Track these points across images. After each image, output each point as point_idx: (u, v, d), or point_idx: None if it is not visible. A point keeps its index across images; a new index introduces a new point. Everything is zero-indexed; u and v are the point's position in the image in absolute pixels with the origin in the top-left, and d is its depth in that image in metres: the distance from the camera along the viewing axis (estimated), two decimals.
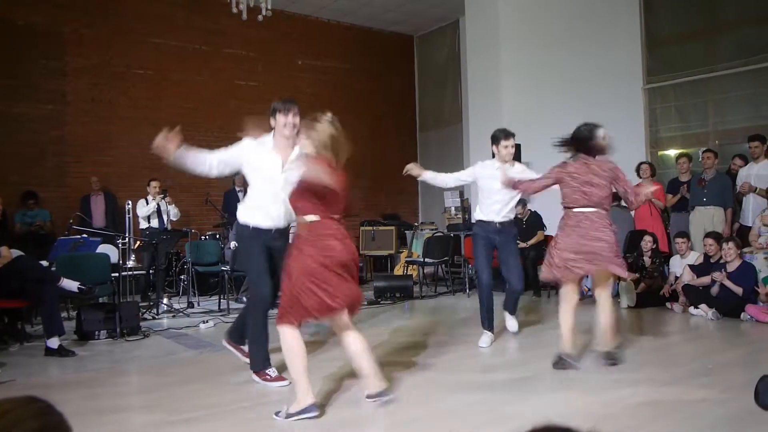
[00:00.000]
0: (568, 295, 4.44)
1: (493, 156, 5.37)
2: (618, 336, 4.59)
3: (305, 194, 3.36)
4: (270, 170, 4.07)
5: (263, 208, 4.11)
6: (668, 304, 6.80)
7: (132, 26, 10.29)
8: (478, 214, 5.41)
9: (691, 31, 9.16)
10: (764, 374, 1.36)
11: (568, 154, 4.56)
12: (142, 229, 8.64)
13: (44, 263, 6.18)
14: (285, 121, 4.04)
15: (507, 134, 5.29)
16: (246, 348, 4.36)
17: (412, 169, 5.30)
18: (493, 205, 5.27)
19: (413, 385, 3.98)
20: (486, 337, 5.23)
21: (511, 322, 5.58)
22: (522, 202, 8.23)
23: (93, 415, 3.52)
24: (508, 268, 5.34)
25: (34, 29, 9.49)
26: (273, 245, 4.11)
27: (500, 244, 5.30)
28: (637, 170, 8.21)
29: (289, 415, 3.29)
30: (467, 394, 3.81)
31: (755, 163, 7.21)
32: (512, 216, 5.46)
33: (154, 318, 6.92)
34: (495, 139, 5.33)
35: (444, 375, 4.27)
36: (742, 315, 5.99)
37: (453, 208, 10.94)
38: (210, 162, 4.12)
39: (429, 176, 5.39)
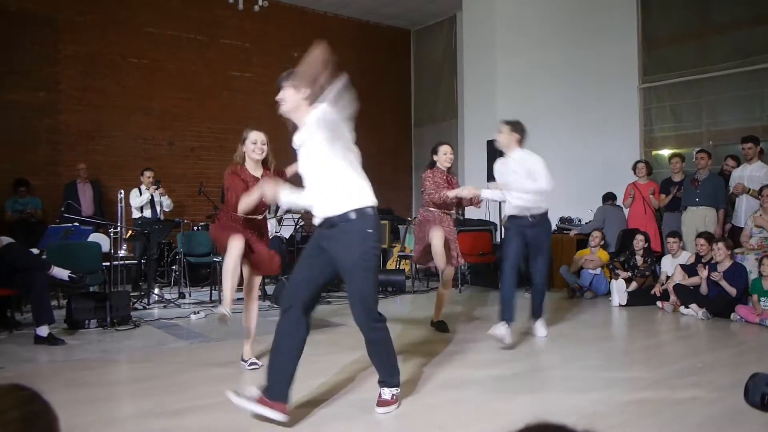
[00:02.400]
0: None
1: (500, 153, 5.53)
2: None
3: None
4: None
5: None
6: (659, 304, 6.82)
7: (126, 15, 10.21)
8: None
9: (686, 32, 9.18)
10: (755, 372, 1.37)
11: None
12: (135, 218, 8.60)
13: (35, 251, 6.14)
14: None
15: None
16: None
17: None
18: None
19: (403, 380, 3.97)
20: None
21: (540, 329, 5.42)
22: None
23: (81, 404, 3.50)
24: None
25: (27, 16, 9.39)
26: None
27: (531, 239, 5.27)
28: (634, 169, 8.24)
29: None
30: (457, 390, 3.82)
31: (748, 165, 7.23)
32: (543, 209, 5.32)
33: (145, 308, 6.89)
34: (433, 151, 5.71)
35: (434, 371, 4.27)
36: (732, 315, 6.02)
37: None
38: None
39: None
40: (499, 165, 5.42)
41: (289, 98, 3.26)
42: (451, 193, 5.31)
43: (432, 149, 5.77)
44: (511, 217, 5.31)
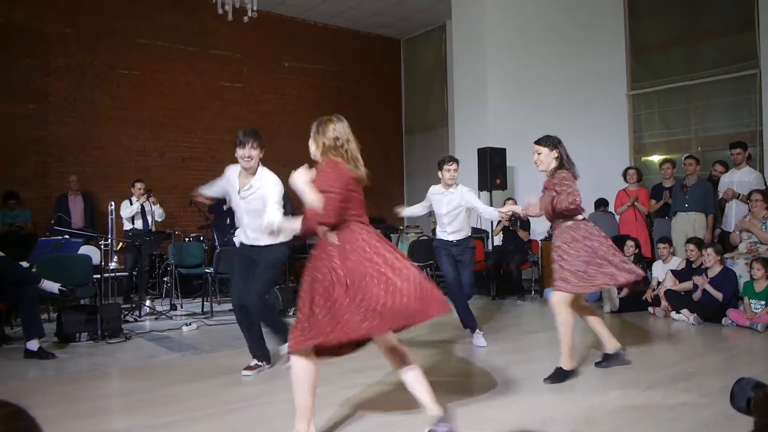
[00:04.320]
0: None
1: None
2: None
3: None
4: (234, 196, 4.48)
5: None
6: (650, 309, 6.86)
7: (117, 26, 10.21)
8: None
9: (674, 39, 9.26)
10: (741, 377, 1.39)
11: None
12: (126, 230, 8.56)
13: (25, 264, 6.10)
14: (242, 154, 4.29)
15: (450, 159, 5.72)
16: None
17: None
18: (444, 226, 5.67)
19: (396, 388, 3.97)
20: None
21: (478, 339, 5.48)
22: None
23: (72, 418, 3.48)
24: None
25: (16, 28, 9.38)
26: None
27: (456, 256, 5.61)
28: (624, 175, 8.28)
29: None
30: (450, 397, 3.81)
31: (737, 170, 7.28)
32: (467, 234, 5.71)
33: (136, 320, 6.85)
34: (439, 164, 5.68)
35: (428, 379, 4.26)
36: (724, 320, 6.05)
37: None
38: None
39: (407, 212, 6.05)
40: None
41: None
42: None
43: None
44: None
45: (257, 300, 4.36)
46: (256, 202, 4.25)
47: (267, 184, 4.27)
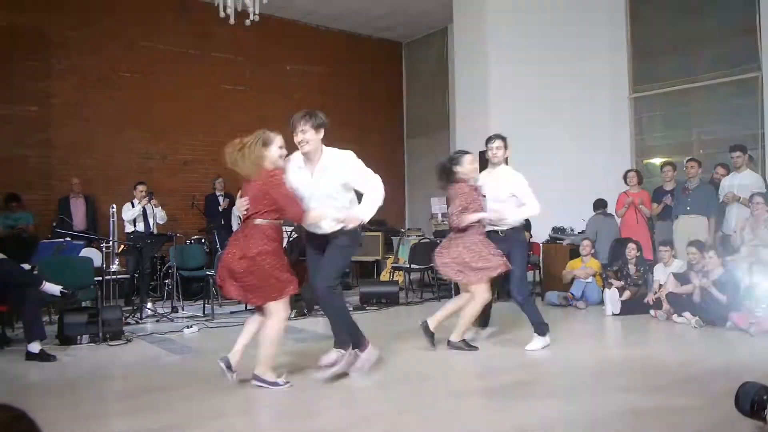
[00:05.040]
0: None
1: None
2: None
3: None
4: (300, 185, 4.17)
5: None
6: (652, 312, 6.84)
7: (119, 29, 10.22)
8: None
9: (676, 42, 9.27)
10: (745, 381, 1.38)
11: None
12: (128, 232, 8.56)
13: (27, 267, 6.11)
14: (297, 141, 4.14)
15: (489, 138, 5.51)
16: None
17: None
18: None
19: (400, 391, 3.97)
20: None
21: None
22: None
23: (73, 421, 3.48)
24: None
25: (18, 31, 9.39)
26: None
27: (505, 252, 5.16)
28: (625, 177, 8.28)
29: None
30: (453, 400, 3.81)
31: (738, 173, 7.28)
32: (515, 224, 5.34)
33: (137, 322, 6.85)
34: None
35: (430, 382, 4.27)
36: (729, 324, 6.02)
37: (440, 215, 10.94)
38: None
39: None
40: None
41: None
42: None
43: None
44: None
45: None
46: (327, 185, 4.13)
47: (345, 161, 4.22)
